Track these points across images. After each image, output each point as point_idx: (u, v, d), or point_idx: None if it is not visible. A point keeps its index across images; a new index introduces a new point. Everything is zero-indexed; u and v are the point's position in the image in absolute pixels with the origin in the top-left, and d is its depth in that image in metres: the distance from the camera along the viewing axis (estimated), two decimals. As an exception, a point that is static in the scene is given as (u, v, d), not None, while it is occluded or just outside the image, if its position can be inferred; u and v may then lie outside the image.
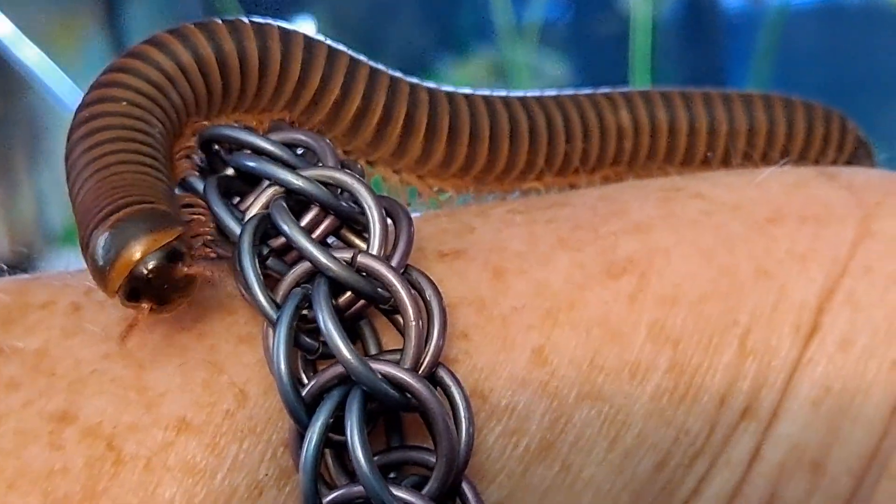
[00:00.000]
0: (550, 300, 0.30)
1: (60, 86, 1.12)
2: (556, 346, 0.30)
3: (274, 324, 0.29)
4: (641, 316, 0.30)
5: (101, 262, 0.28)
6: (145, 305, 0.28)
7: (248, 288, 0.29)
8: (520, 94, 0.37)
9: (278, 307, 0.29)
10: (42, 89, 1.12)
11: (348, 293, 0.29)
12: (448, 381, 0.29)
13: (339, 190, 0.30)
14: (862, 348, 0.30)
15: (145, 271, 0.28)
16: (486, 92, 0.36)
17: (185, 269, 0.28)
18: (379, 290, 0.29)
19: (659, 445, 0.30)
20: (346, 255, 0.29)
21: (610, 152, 0.37)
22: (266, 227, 0.30)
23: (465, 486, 0.29)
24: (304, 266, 0.30)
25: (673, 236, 0.32)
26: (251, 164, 0.30)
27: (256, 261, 0.29)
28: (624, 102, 0.37)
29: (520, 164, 0.36)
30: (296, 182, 0.30)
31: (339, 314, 0.29)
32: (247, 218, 0.30)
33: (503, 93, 0.37)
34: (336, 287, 0.29)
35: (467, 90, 0.36)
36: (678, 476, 0.30)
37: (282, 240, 0.30)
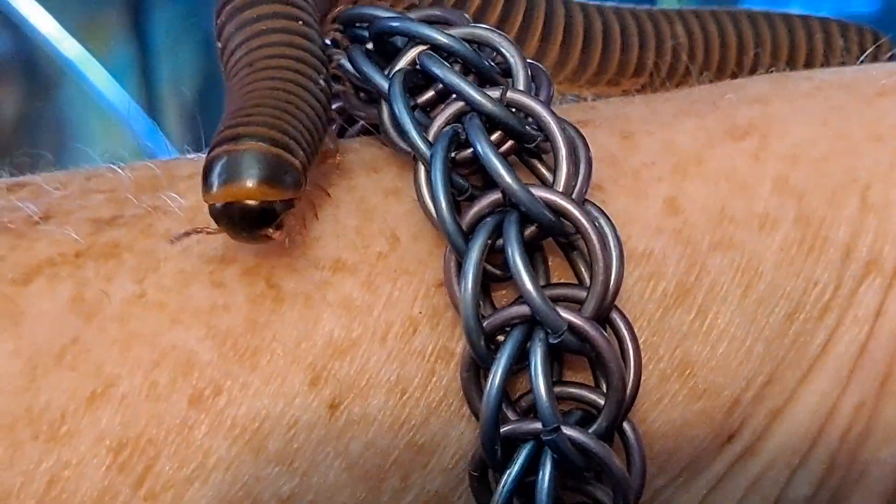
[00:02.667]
0: (678, 156, 0.32)
1: (98, 79, 1.12)
2: (686, 197, 0.31)
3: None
4: (766, 171, 0.32)
5: (209, 176, 0.27)
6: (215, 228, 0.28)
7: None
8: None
9: (465, 237, 0.29)
10: (81, 82, 1.12)
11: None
12: (620, 324, 0.30)
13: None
14: None
15: (232, 214, 0.28)
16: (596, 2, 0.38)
17: (271, 231, 0.28)
18: (565, 224, 0.29)
19: (790, 295, 0.31)
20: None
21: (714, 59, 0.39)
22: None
23: (626, 426, 0.30)
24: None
25: (788, 106, 0.33)
26: (442, 74, 0.30)
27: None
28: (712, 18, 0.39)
29: (631, 67, 0.38)
30: (489, 107, 0.29)
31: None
32: (437, 127, 0.30)
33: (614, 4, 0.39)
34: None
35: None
36: (809, 328, 0.31)
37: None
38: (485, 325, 0.28)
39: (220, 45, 0.31)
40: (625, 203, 0.30)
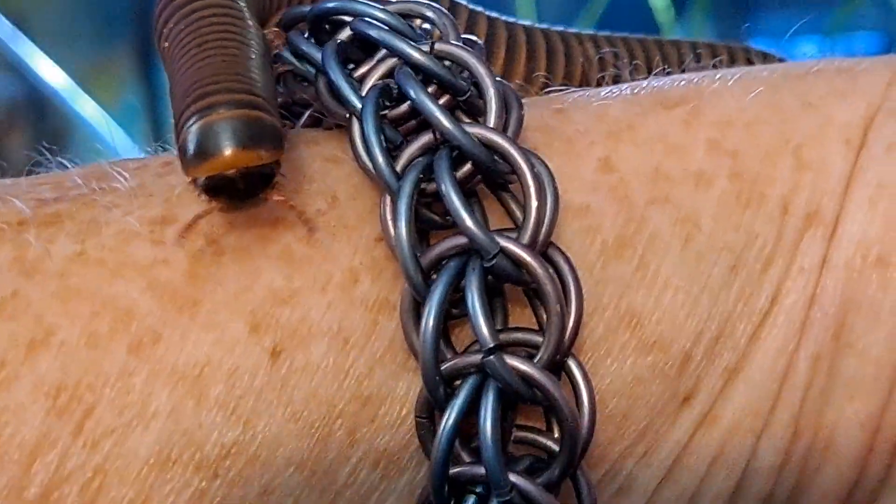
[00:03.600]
0: (611, 125, 0.32)
1: (106, 128, 1.14)
2: (620, 157, 0.32)
3: (395, 191, 0.29)
4: (698, 134, 0.32)
5: (191, 151, 0.27)
6: (214, 203, 0.28)
7: (370, 154, 0.29)
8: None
9: (398, 177, 0.29)
10: (89, 131, 1.14)
11: (467, 166, 0.29)
12: (560, 261, 0.30)
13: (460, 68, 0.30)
14: None
15: (234, 181, 0.28)
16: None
17: (272, 193, 0.28)
18: (499, 162, 0.29)
19: (731, 247, 0.31)
20: (473, 129, 0.29)
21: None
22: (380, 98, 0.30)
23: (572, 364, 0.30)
24: (425, 137, 0.30)
25: (719, 83, 0.34)
26: (373, 33, 0.30)
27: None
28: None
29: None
30: (417, 57, 0.30)
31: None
32: (369, 85, 0.30)
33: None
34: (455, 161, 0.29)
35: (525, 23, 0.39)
36: (754, 280, 0.31)
37: (398, 110, 0.30)
38: (421, 260, 0.29)
39: (160, 41, 0.32)
40: (559, 163, 0.30)
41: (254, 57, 0.29)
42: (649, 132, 0.32)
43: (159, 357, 0.28)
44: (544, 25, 0.39)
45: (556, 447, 0.29)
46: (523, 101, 0.31)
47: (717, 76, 0.34)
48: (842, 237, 0.32)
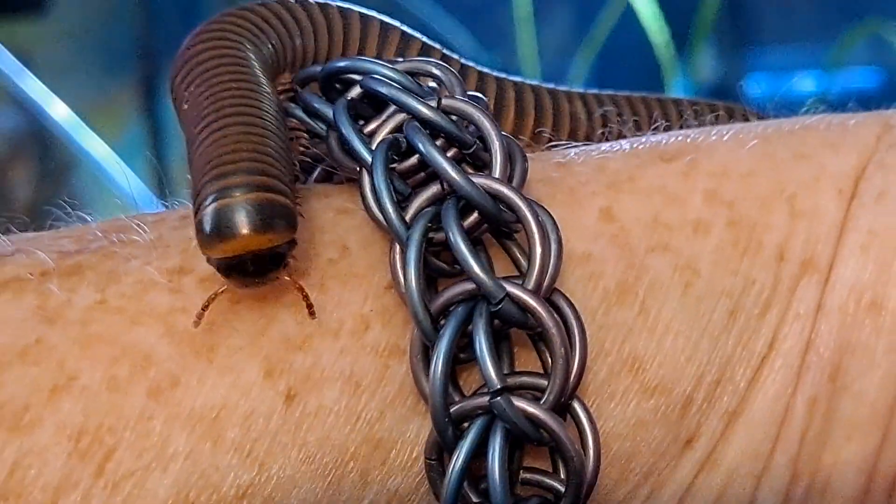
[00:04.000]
0: (611, 176, 0.34)
1: (109, 162, 1.15)
2: (621, 207, 0.33)
3: (405, 240, 0.30)
4: (696, 185, 0.33)
5: (206, 231, 0.28)
6: (227, 285, 0.29)
7: (380, 204, 0.30)
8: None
9: (407, 227, 0.30)
10: (93, 165, 1.15)
11: (474, 216, 0.30)
12: (565, 306, 0.31)
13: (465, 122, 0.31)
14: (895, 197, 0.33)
15: (246, 263, 0.29)
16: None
17: (283, 273, 0.29)
18: (504, 211, 0.30)
19: (730, 292, 0.32)
20: (479, 180, 0.30)
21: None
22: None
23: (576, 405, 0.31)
24: (433, 188, 0.31)
25: (715, 137, 0.35)
26: (383, 90, 0.31)
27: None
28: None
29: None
30: (425, 112, 0.31)
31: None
32: (379, 139, 0.31)
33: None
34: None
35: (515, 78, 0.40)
36: (752, 325, 0.32)
37: (407, 163, 0.31)
38: (430, 306, 0.30)
39: (179, 104, 0.33)
40: (561, 213, 0.31)
41: (271, 128, 0.31)
42: (648, 183, 0.33)
43: (177, 401, 0.29)
44: (549, 84, 0.40)
45: (562, 488, 0.30)
46: (527, 155, 0.32)
47: (713, 131, 0.36)
48: (835, 283, 0.33)
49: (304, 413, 0.29)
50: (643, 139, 0.36)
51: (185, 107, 0.32)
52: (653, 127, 0.38)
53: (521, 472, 0.31)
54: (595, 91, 0.41)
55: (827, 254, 0.33)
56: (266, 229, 0.28)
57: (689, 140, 0.35)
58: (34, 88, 1.20)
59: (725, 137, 0.35)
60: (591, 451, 0.30)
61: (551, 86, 0.40)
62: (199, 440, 0.29)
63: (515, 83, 0.39)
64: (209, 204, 0.28)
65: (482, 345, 0.29)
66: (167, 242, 0.31)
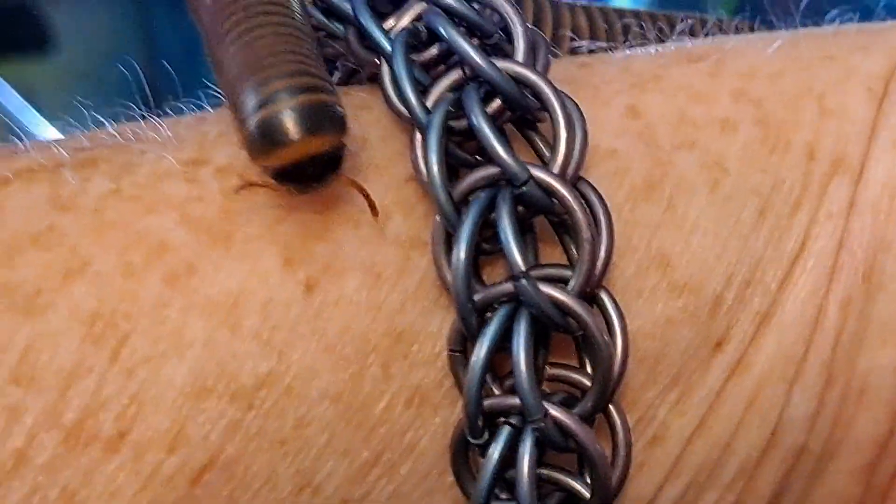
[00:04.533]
0: (636, 76, 0.33)
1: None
2: (646, 105, 0.32)
3: (425, 127, 0.29)
4: (723, 85, 0.33)
5: (260, 140, 0.27)
6: (279, 187, 0.28)
7: (401, 91, 0.30)
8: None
9: (428, 113, 0.29)
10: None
11: (496, 103, 0.29)
12: (591, 194, 0.30)
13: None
14: None
15: (303, 169, 0.28)
16: None
17: (337, 174, 0.28)
18: (528, 97, 0.29)
19: (759, 191, 0.31)
20: (502, 64, 0.30)
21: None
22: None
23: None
24: (454, 75, 0.30)
25: (741, 41, 0.35)
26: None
27: (410, 70, 0.30)
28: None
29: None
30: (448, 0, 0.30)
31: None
32: (399, 28, 0.30)
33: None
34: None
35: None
36: (783, 224, 0.31)
37: (428, 54, 0.30)
38: (452, 193, 0.29)
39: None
40: (586, 110, 0.31)
41: (304, 28, 0.30)
42: (674, 82, 0.33)
43: (194, 288, 0.28)
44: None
45: (589, 383, 0.29)
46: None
47: (740, 37, 0.35)
48: (868, 181, 0.32)
49: (324, 302, 0.29)
50: (669, 44, 0.35)
51: (208, 1, 0.31)
52: (674, 36, 0.37)
53: (547, 367, 0.30)
54: (613, 5, 0.40)
55: (858, 152, 0.32)
56: (321, 131, 0.27)
57: (714, 43, 0.35)
58: (37, 124, 1.19)
59: (751, 42, 0.35)
60: (618, 343, 0.29)
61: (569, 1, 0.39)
62: (216, 327, 0.28)
63: None
64: (256, 112, 0.27)
65: (506, 228, 0.28)
66: (183, 137, 0.31)
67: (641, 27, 0.38)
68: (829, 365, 0.32)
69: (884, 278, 0.32)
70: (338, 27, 0.32)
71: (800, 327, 0.32)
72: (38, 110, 1.24)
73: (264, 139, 0.27)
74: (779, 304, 0.32)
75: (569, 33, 0.37)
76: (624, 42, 0.39)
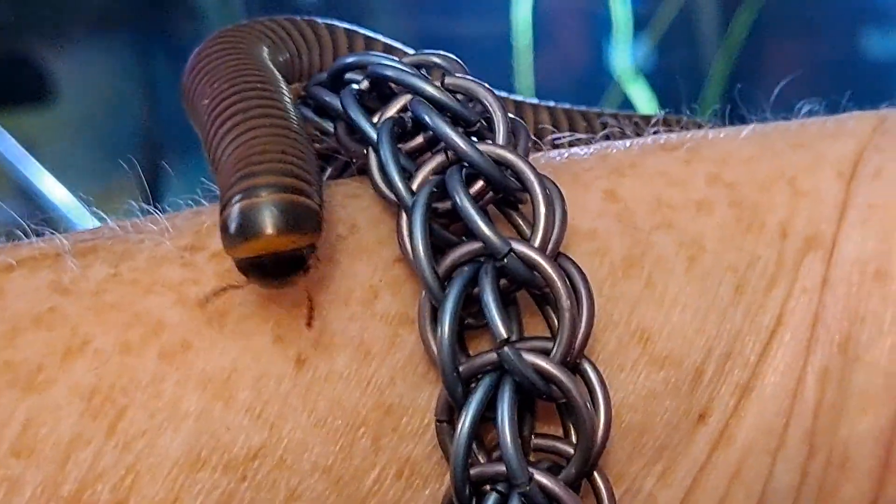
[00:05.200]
0: (614, 163, 0.34)
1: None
2: (624, 189, 0.33)
3: (410, 208, 0.30)
4: (697, 170, 0.34)
5: (231, 230, 0.29)
6: (246, 281, 0.29)
7: (387, 176, 0.31)
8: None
9: (413, 194, 0.31)
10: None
11: (479, 184, 0.31)
12: (571, 268, 0.31)
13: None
14: (891, 173, 0.34)
15: (263, 265, 0.29)
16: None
17: (302, 273, 0.29)
18: (509, 178, 0.31)
19: (735, 267, 0.33)
20: (483, 146, 0.31)
21: None
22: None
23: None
24: (438, 158, 0.31)
25: (712, 133, 0.36)
26: (388, 72, 0.32)
27: (396, 154, 0.31)
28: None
29: None
30: (429, 89, 0.32)
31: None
32: (384, 117, 0.32)
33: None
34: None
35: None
36: (759, 300, 0.33)
37: (413, 142, 0.32)
38: (437, 270, 0.30)
39: (191, 95, 0.34)
40: (566, 193, 0.32)
41: (297, 129, 0.31)
42: (650, 168, 0.34)
43: (189, 363, 0.29)
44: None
45: (573, 451, 0.30)
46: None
47: (708, 130, 0.37)
48: (839, 257, 0.33)
49: (315, 377, 0.30)
50: (644, 137, 0.37)
51: (206, 102, 0.33)
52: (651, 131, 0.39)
53: (533, 438, 0.31)
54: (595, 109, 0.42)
55: (829, 230, 0.33)
56: (290, 230, 0.28)
57: (687, 135, 0.36)
58: (38, 175, 1.21)
59: (722, 133, 0.36)
60: (601, 409, 0.30)
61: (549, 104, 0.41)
62: (210, 400, 0.29)
63: (515, 101, 0.40)
64: (235, 203, 0.29)
65: (489, 299, 0.29)
66: (179, 227, 0.32)
67: (618, 124, 0.40)
68: (810, 435, 0.33)
69: (859, 349, 0.33)
70: (330, 125, 0.34)
71: (780, 398, 0.33)
72: (38, 160, 1.25)
73: (236, 229, 0.28)
74: (758, 377, 0.33)
75: (549, 127, 0.38)
76: (602, 137, 0.40)
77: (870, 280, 0.33)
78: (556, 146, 0.38)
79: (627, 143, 0.36)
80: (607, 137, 0.39)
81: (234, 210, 0.28)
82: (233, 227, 0.28)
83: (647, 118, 0.42)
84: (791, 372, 0.33)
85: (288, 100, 0.32)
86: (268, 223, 0.28)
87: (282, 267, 0.29)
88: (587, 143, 0.37)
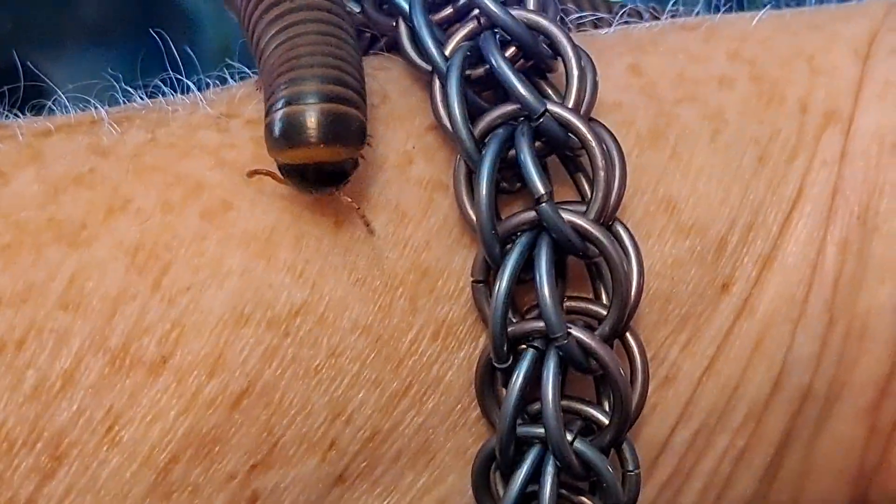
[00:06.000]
0: (636, 41, 0.35)
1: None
2: (647, 64, 0.34)
3: (444, 74, 0.31)
4: (718, 46, 0.35)
5: (276, 133, 0.28)
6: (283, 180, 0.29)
7: (420, 44, 0.31)
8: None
9: (446, 60, 0.31)
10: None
11: (512, 49, 0.31)
12: (602, 131, 0.31)
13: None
14: None
15: (305, 173, 0.29)
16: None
17: (341, 192, 0.29)
18: (542, 44, 0.31)
19: (757, 140, 0.33)
20: (517, 12, 0.31)
21: None
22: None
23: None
24: (470, 25, 0.32)
25: (732, 16, 0.37)
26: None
27: (429, 22, 0.31)
28: None
29: None
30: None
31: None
32: None
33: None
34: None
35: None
36: (781, 171, 0.33)
37: (444, 12, 0.32)
38: (474, 132, 0.30)
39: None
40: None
41: (348, 30, 0.31)
42: (672, 45, 0.35)
43: (230, 222, 0.30)
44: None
45: (605, 312, 0.31)
46: None
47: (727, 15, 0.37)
48: (857, 130, 0.34)
49: (353, 237, 0.30)
50: (660, 21, 0.37)
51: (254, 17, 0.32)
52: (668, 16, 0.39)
53: (567, 301, 0.31)
54: None
55: (847, 105, 0.34)
56: (334, 142, 0.28)
57: (706, 17, 0.37)
58: None
59: (739, 16, 0.37)
60: (634, 268, 0.30)
61: None
62: (252, 258, 0.29)
63: None
64: (281, 107, 0.28)
65: (526, 157, 0.30)
66: (211, 98, 0.33)
67: (638, 8, 0.40)
68: (830, 305, 0.34)
69: (878, 220, 0.34)
70: (354, 6, 0.34)
71: (801, 269, 0.33)
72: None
73: (281, 135, 0.28)
74: (780, 247, 0.33)
75: (573, 7, 0.39)
76: (623, 21, 0.40)
77: (887, 152, 0.34)
78: (579, 28, 0.38)
79: (648, 24, 0.37)
80: (628, 21, 0.39)
81: (280, 115, 0.28)
82: (277, 131, 0.28)
83: (657, 9, 0.42)
84: (812, 242, 0.33)
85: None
86: (312, 132, 0.28)
87: (323, 175, 0.29)
88: (609, 25, 0.37)
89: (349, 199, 0.30)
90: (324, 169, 0.29)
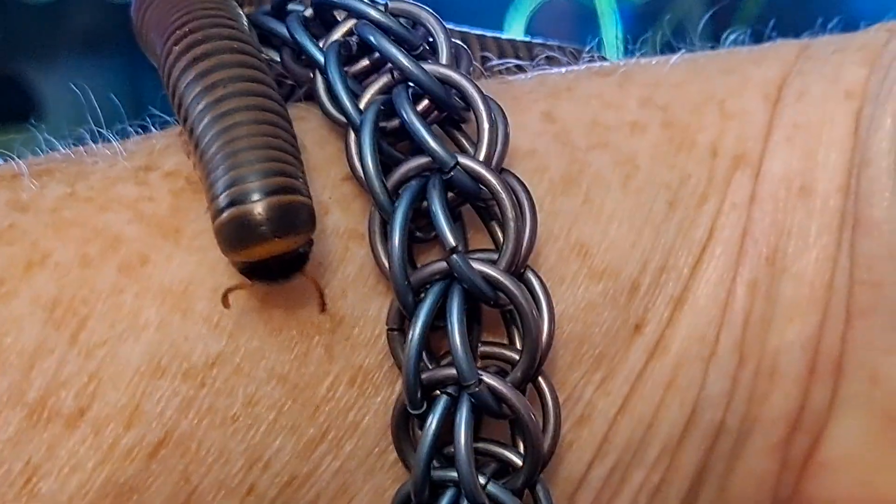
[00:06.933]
0: (550, 87, 0.36)
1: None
2: (561, 110, 0.35)
3: (358, 126, 0.31)
4: (630, 93, 0.36)
5: (229, 236, 0.29)
6: (248, 283, 0.30)
7: (334, 97, 0.32)
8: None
9: (360, 113, 0.32)
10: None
11: (424, 103, 0.32)
12: (514, 182, 0.32)
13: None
14: (814, 95, 0.36)
15: (267, 268, 0.29)
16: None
17: (304, 271, 0.30)
18: (454, 97, 0.32)
19: (668, 185, 0.34)
20: (429, 66, 0.32)
21: None
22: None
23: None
24: (384, 79, 0.32)
25: (644, 60, 0.38)
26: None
27: (343, 75, 0.32)
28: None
29: None
30: (373, 13, 0.32)
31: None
32: (330, 40, 0.33)
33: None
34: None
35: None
36: (691, 215, 0.34)
37: (359, 65, 0.33)
38: (387, 184, 0.31)
39: (144, 33, 0.35)
40: (507, 113, 0.33)
41: (279, 106, 0.31)
42: (585, 92, 0.36)
43: (147, 276, 0.30)
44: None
45: (518, 357, 0.32)
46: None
47: (639, 59, 0.39)
48: (766, 174, 0.35)
49: (269, 288, 0.31)
50: (576, 66, 0.38)
51: (176, 48, 0.32)
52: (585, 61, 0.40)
53: (480, 346, 0.32)
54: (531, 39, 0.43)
55: (757, 149, 0.35)
56: (287, 233, 0.29)
57: (620, 62, 0.38)
58: None
59: (654, 60, 0.38)
60: (545, 314, 0.31)
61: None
62: (169, 311, 0.30)
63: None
64: (227, 207, 0.29)
65: (437, 210, 0.31)
66: (132, 150, 0.33)
67: (557, 54, 0.41)
68: (740, 344, 0.35)
69: (786, 261, 0.35)
70: (274, 55, 0.35)
71: (711, 309, 0.34)
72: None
73: (234, 237, 0.29)
74: (691, 289, 0.34)
75: (493, 55, 0.40)
76: (541, 66, 0.42)
77: (795, 195, 0.35)
78: (499, 74, 0.39)
79: (564, 69, 0.38)
80: (547, 65, 0.40)
81: (227, 216, 0.29)
82: (229, 234, 0.29)
83: (578, 51, 0.43)
84: (722, 284, 0.34)
85: (261, 68, 0.31)
86: (265, 229, 0.28)
87: (284, 264, 0.29)
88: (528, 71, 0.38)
89: (315, 279, 0.30)
90: (283, 259, 0.29)
